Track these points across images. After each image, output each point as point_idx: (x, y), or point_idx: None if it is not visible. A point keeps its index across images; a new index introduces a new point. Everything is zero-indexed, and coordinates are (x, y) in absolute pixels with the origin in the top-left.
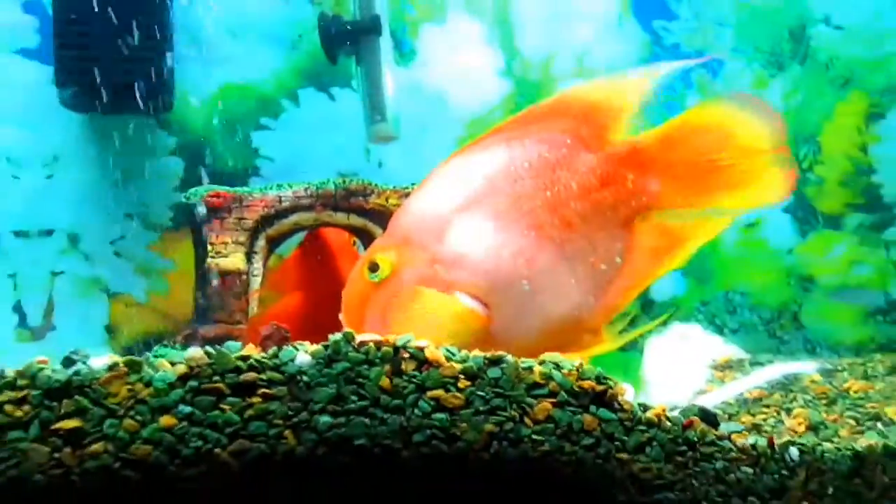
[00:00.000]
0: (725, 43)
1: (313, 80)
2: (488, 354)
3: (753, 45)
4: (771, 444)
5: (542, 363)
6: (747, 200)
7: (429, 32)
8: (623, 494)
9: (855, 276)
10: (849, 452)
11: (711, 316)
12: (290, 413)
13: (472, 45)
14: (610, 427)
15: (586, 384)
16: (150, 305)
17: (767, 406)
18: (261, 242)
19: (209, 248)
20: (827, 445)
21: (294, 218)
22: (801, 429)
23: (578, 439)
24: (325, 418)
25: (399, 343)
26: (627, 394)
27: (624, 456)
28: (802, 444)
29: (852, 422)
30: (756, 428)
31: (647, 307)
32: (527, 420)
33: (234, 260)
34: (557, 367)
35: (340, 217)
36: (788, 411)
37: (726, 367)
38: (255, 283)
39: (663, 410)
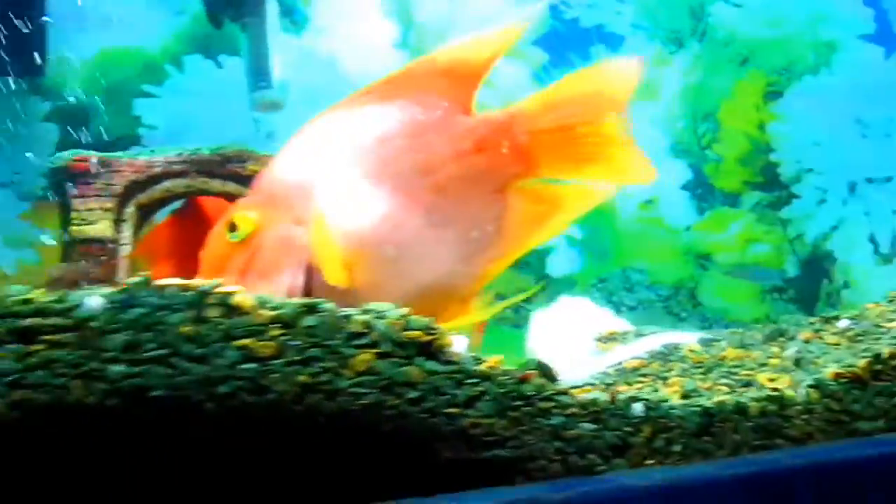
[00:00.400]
0: (625, 19)
1: (200, 46)
2: (304, 301)
3: (654, 21)
4: (612, 399)
5: (364, 312)
6: (610, 175)
7: (322, 0)
8: (450, 451)
9: (752, 254)
10: (697, 409)
11: (609, 293)
12: (78, 361)
13: (367, 14)
14: (437, 380)
15: (413, 334)
16: (20, 277)
17: (645, 375)
18: (130, 209)
19: (73, 214)
20: (675, 401)
21: (166, 184)
22: (676, 397)
23: (402, 392)
24: (118, 367)
25: (204, 287)
26: (458, 345)
27: (452, 410)
28: (647, 400)
29: (725, 388)
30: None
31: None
32: (345, 371)
33: (101, 227)
34: (380, 316)
35: (216, 184)
36: (665, 380)
37: (610, 339)
38: (125, 251)
39: (497, 363)
